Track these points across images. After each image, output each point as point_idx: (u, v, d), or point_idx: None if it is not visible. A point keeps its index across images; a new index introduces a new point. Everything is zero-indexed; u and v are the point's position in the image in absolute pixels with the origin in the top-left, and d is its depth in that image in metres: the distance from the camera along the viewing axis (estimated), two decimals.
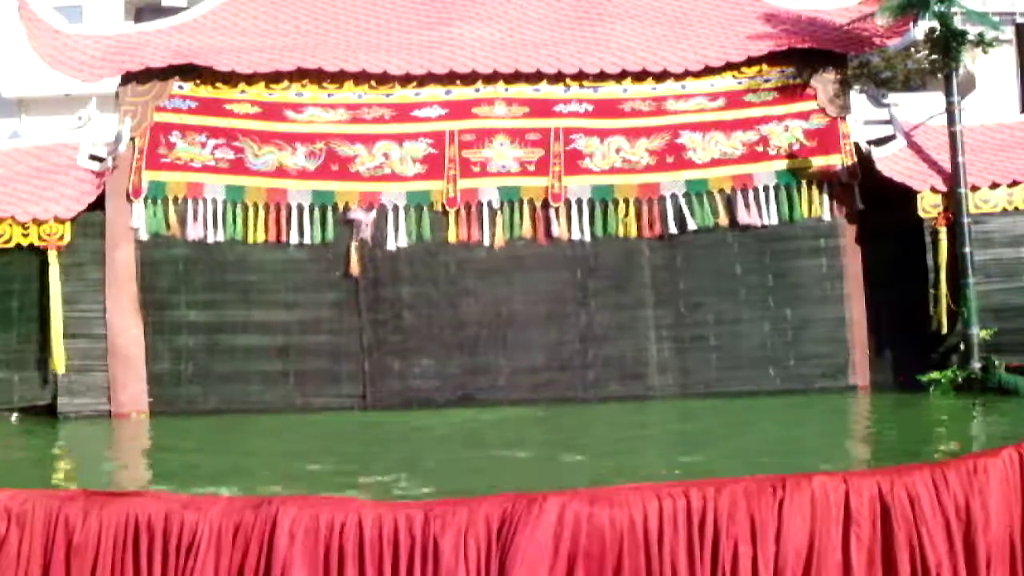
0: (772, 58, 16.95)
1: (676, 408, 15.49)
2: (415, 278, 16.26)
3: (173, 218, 15.94)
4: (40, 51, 16.96)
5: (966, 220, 15.58)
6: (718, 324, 16.42)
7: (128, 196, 15.81)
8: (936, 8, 15.83)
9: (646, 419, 14.86)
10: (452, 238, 16.24)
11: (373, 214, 16.19)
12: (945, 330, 15.75)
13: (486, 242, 16.26)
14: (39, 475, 11.81)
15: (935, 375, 15.38)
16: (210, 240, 15.98)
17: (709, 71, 16.92)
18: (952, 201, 15.73)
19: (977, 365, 15.34)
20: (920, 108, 17.18)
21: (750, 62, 16.98)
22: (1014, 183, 16.00)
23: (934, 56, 16.04)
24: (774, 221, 16.45)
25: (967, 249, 15.54)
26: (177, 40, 17.08)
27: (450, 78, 16.64)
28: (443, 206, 16.26)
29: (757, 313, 16.43)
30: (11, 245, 15.37)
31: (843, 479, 5.07)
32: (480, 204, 16.31)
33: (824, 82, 16.88)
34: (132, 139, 16.00)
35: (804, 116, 16.83)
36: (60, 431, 14.74)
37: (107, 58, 16.82)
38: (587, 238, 16.35)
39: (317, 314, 16.14)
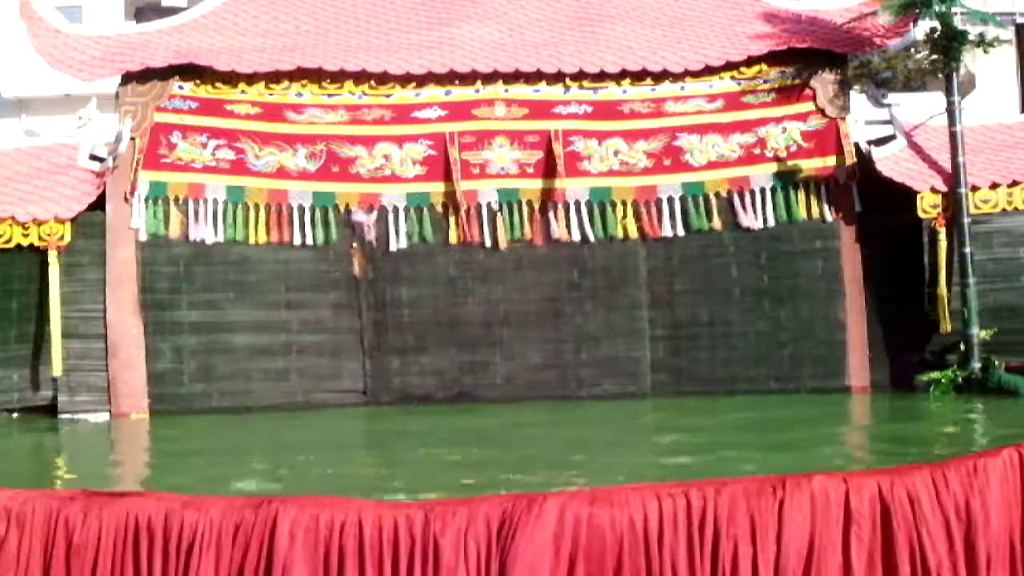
0: (772, 58, 16.91)
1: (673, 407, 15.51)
2: (415, 278, 16.30)
3: (174, 218, 15.95)
4: (40, 51, 16.95)
5: (966, 220, 15.55)
6: (714, 325, 16.41)
7: (128, 196, 15.81)
8: (937, 8, 15.81)
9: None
10: (452, 239, 16.28)
11: (374, 215, 16.23)
12: (944, 330, 15.73)
13: (486, 243, 16.30)
14: (39, 475, 11.81)
15: (935, 375, 15.36)
16: (211, 241, 16.00)
17: (709, 71, 16.90)
18: (952, 201, 15.71)
19: (977, 365, 15.31)
20: (920, 108, 17.15)
21: (750, 62, 16.95)
22: (1014, 183, 15.96)
23: (934, 56, 16.01)
24: (771, 224, 16.46)
25: (967, 249, 15.51)
26: (177, 40, 17.07)
27: (450, 78, 16.63)
28: (443, 207, 16.31)
29: (753, 314, 16.41)
30: (11, 245, 15.32)
31: (843, 479, 5.07)
32: (480, 206, 16.35)
33: (824, 82, 16.86)
34: (132, 139, 15.98)
35: (802, 117, 16.81)
36: (60, 431, 14.74)
37: (107, 58, 16.81)
38: (587, 239, 16.37)
39: (318, 314, 16.19)
